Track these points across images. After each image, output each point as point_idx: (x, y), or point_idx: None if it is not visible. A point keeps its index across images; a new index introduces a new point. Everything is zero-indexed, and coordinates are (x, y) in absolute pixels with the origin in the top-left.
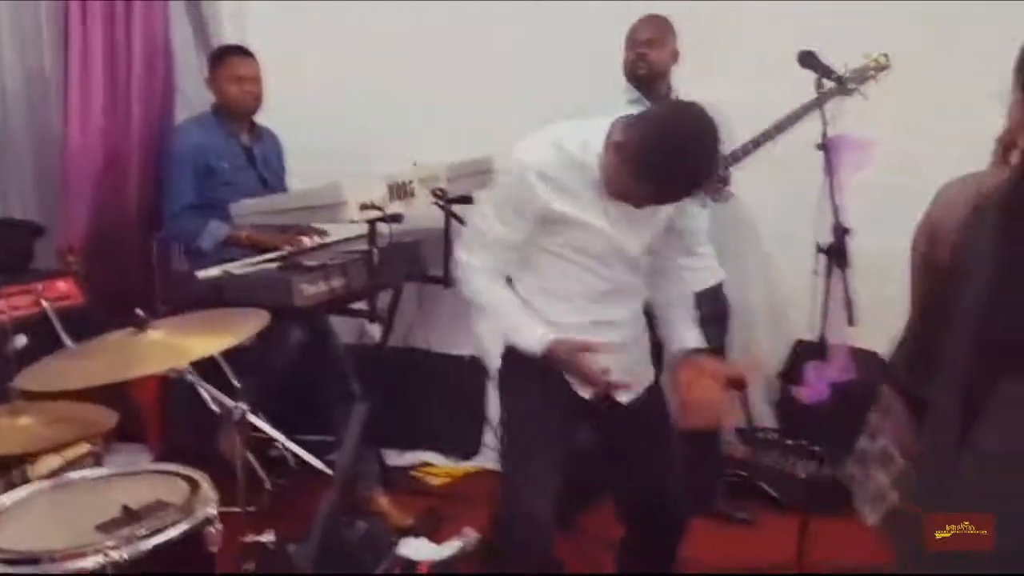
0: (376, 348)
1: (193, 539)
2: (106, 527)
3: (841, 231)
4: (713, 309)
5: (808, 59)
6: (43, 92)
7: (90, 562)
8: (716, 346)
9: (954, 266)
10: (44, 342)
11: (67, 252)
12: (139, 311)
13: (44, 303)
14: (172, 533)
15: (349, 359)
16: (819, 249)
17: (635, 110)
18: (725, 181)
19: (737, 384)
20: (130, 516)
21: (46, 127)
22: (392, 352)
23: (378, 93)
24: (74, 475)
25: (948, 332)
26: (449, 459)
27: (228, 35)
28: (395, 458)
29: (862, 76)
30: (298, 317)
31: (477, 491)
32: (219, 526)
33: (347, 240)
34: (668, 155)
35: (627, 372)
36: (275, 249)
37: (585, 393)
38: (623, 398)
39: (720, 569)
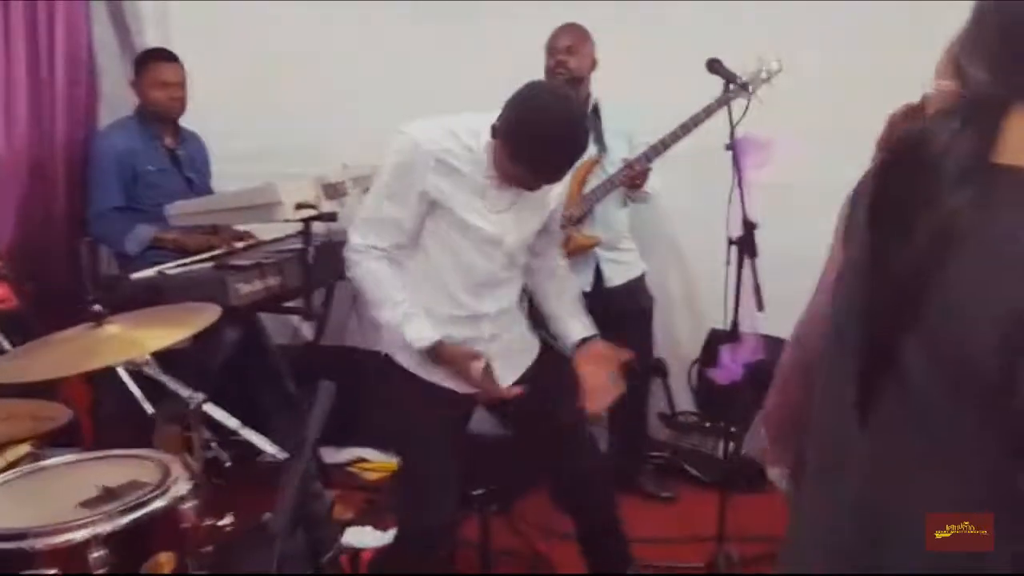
0: (309, 346)
1: (170, 515)
2: (88, 504)
3: (749, 225)
4: (638, 301)
5: (714, 66)
6: None
7: (78, 536)
8: (643, 336)
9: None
10: None
11: None
12: (97, 306)
13: None
14: (150, 508)
15: (283, 358)
16: (730, 242)
17: None
18: (644, 176)
19: (624, 368)
20: (110, 494)
21: None
22: (325, 350)
23: (306, 95)
24: (48, 461)
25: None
26: (384, 454)
27: (151, 37)
28: (332, 455)
29: (756, 79)
30: (233, 316)
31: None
32: (194, 502)
33: (278, 240)
34: (536, 134)
35: (503, 357)
36: (202, 251)
37: (463, 389)
38: (507, 380)
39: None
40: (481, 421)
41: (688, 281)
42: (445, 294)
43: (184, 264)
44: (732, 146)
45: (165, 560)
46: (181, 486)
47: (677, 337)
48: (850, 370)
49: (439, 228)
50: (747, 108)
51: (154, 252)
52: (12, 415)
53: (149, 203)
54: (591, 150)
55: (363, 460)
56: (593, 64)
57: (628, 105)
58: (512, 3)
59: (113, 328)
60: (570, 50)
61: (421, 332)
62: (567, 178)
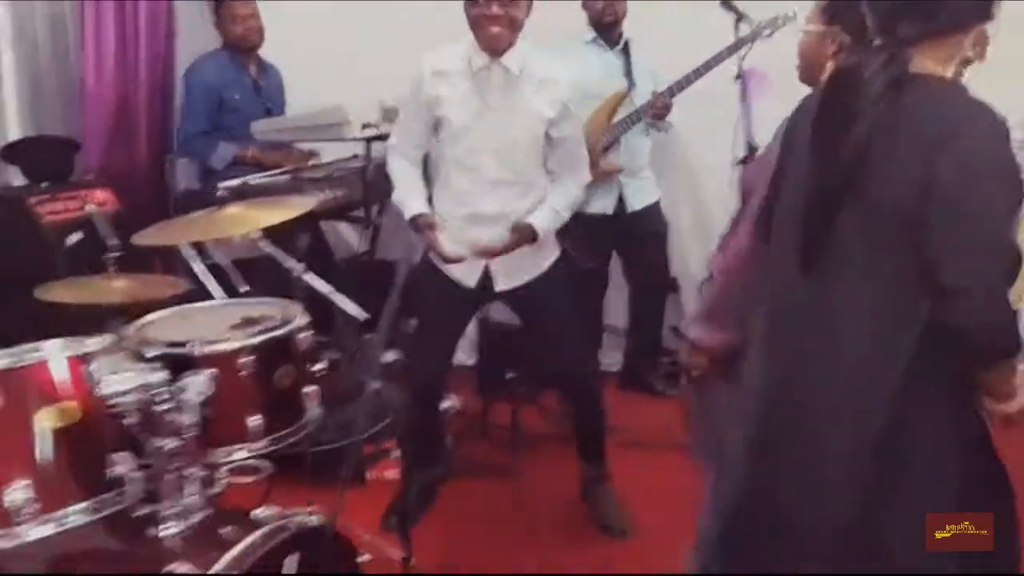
0: (361, 257)
1: (292, 339)
2: (235, 327)
3: (752, 147)
4: (655, 224)
5: (727, 4)
6: (64, 36)
7: (230, 346)
8: (659, 256)
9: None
10: (91, 239)
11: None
12: (222, 192)
13: (89, 207)
14: (278, 332)
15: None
16: (736, 161)
17: (592, 50)
18: (667, 109)
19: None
20: (250, 322)
21: (67, 68)
22: (377, 262)
23: (365, 27)
24: (203, 303)
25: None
26: None
27: None
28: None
29: (773, 24)
30: (305, 223)
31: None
32: (308, 332)
33: (341, 160)
34: None
35: (507, 262)
36: (276, 167)
37: (468, 283)
38: (503, 286)
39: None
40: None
41: (698, 207)
42: (453, 199)
43: (265, 176)
44: (740, 76)
45: (287, 372)
46: (299, 320)
47: (688, 258)
48: (796, 239)
49: (446, 145)
50: (751, 47)
51: (234, 168)
52: (145, 283)
53: (231, 126)
54: (622, 82)
55: None
56: (626, 9)
57: (654, 44)
58: None
59: (233, 209)
60: None
61: (411, 208)
62: (559, 92)
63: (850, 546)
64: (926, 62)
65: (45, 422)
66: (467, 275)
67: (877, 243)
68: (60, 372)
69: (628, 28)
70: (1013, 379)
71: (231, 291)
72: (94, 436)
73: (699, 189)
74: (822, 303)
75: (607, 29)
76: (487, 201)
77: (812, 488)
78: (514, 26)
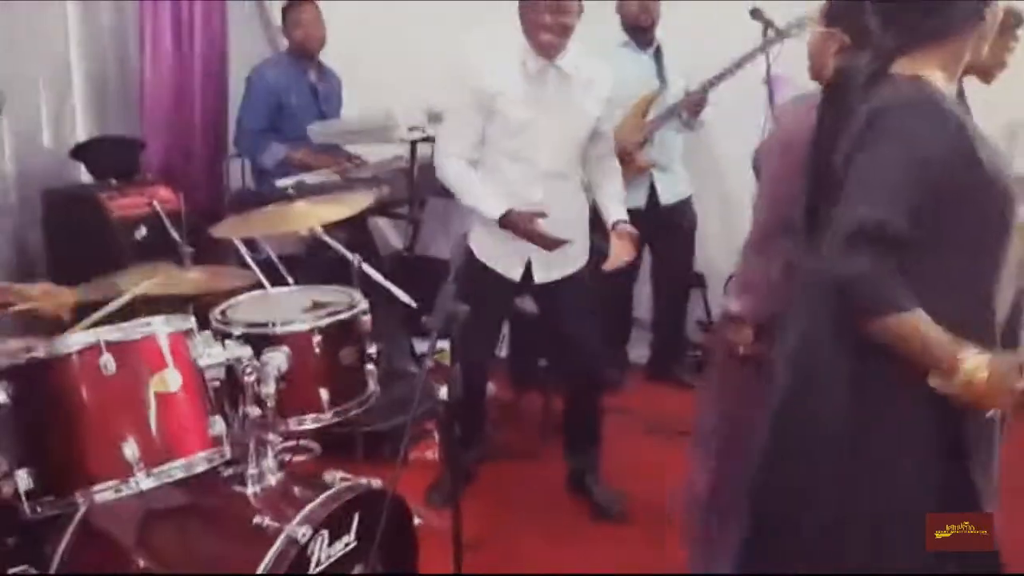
0: (403, 252)
1: (356, 321)
2: (307, 310)
3: None
4: (684, 219)
5: (756, 14)
6: (126, 42)
7: (304, 327)
8: (686, 251)
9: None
10: (156, 234)
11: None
12: (290, 190)
13: (155, 204)
14: (344, 315)
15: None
16: None
17: (625, 53)
18: (703, 105)
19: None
20: (319, 305)
21: (129, 72)
22: (416, 258)
23: (411, 31)
24: (272, 290)
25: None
26: None
27: None
28: (419, 345)
29: (800, 24)
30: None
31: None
32: (368, 317)
33: (385, 161)
34: None
35: (547, 255)
36: (324, 167)
37: (514, 276)
38: (541, 278)
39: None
40: None
41: (725, 204)
42: (503, 190)
43: (317, 175)
44: (768, 80)
45: (351, 351)
46: (361, 305)
47: (714, 254)
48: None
49: (499, 137)
50: (779, 51)
51: (283, 168)
52: (217, 274)
53: (286, 128)
54: (654, 83)
55: (443, 351)
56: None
57: (685, 51)
58: None
59: (300, 205)
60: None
61: (493, 207)
62: (604, 91)
63: (824, 542)
64: (918, 65)
65: (153, 387)
66: (511, 268)
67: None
68: (165, 345)
69: (659, 29)
70: (936, 352)
71: (280, 284)
72: (192, 401)
73: (726, 186)
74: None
75: (641, 32)
76: (535, 190)
77: (791, 479)
78: (567, 33)
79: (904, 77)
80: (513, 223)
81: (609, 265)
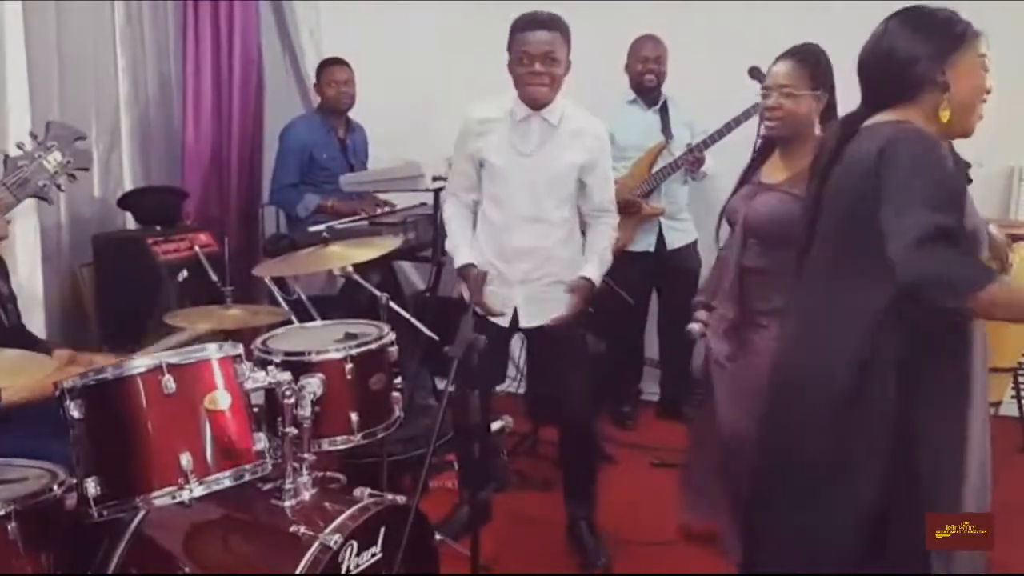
0: (425, 292)
1: (384, 351)
2: (339, 340)
3: None
4: (690, 262)
5: (755, 72)
6: (170, 98)
7: (337, 355)
8: (692, 292)
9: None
10: (197, 277)
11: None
12: (326, 234)
13: (196, 248)
14: (373, 345)
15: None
16: None
17: (632, 110)
18: (701, 162)
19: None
20: (350, 336)
21: (172, 126)
22: (439, 298)
23: (435, 86)
24: (312, 323)
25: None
26: None
27: (305, 40)
28: (440, 384)
29: None
30: (380, 262)
31: (504, 407)
32: (395, 348)
33: (410, 207)
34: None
35: (532, 301)
36: (353, 214)
37: (502, 322)
38: (526, 323)
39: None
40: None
41: None
42: (489, 236)
43: (346, 222)
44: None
45: (380, 378)
46: (389, 336)
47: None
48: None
49: (486, 182)
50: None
51: (317, 216)
52: (255, 312)
53: (317, 179)
54: (659, 137)
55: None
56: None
57: (690, 101)
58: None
59: (335, 248)
60: (659, 60)
61: (462, 257)
62: (591, 143)
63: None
64: (901, 116)
65: (207, 405)
66: (501, 318)
67: (836, 251)
68: (217, 368)
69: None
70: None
71: (308, 320)
72: (240, 419)
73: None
74: (800, 303)
75: (647, 91)
76: (515, 235)
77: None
78: (554, 83)
79: (886, 123)
80: (465, 277)
81: (551, 320)
